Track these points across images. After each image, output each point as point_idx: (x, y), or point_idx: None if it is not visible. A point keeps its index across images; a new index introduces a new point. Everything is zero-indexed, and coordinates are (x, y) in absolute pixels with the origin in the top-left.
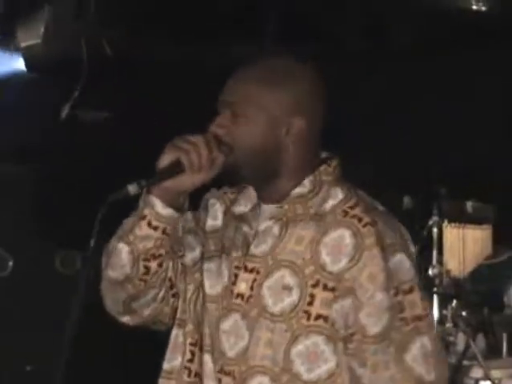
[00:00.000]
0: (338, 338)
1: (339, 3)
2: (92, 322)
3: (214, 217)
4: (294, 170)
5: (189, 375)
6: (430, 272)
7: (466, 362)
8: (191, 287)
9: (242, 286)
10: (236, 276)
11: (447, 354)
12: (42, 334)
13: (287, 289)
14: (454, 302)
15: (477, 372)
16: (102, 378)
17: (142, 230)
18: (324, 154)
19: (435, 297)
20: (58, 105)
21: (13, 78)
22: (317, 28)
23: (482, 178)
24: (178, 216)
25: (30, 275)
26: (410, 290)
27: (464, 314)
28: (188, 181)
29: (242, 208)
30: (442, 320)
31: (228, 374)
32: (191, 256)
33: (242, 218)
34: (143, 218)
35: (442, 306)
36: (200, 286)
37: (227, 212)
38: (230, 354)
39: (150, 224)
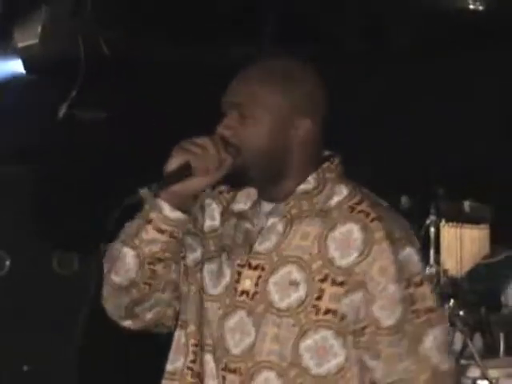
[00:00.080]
0: (348, 332)
1: (338, 4)
2: (95, 326)
3: (212, 217)
4: (299, 169)
5: (192, 376)
6: (428, 271)
7: (463, 362)
8: (193, 288)
9: (247, 283)
10: (239, 274)
11: None
12: (38, 334)
13: (294, 284)
14: (452, 301)
15: (474, 371)
16: (105, 381)
17: (149, 233)
18: (326, 152)
19: None
20: (57, 105)
21: (11, 80)
22: (315, 29)
23: (479, 177)
24: (186, 218)
25: (27, 275)
26: (421, 283)
27: (461, 313)
28: (196, 183)
29: (241, 205)
30: None
31: (233, 371)
32: (192, 257)
33: (242, 216)
34: (149, 221)
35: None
36: (201, 286)
37: (224, 211)
38: (235, 351)
39: (156, 228)
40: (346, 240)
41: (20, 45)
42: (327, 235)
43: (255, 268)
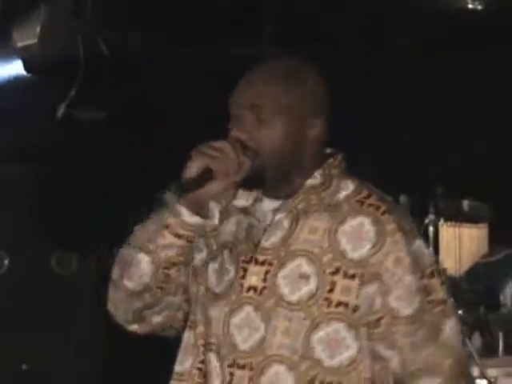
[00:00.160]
0: (360, 324)
1: (338, 4)
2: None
3: (212, 215)
4: (307, 167)
5: (199, 376)
6: None
7: None
8: (202, 288)
9: (253, 279)
10: (245, 270)
11: None
12: (37, 333)
13: (304, 277)
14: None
15: (473, 370)
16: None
17: (166, 239)
18: (327, 150)
19: None
20: (56, 105)
21: (11, 81)
22: (315, 29)
23: (478, 177)
24: (203, 223)
25: (25, 275)
26: (433, 274)
27: (460, 312)
28: (216, 188)
29: (243, 202)
30: None
31: (243, 367)
32: (200, 257)
33: (246, 212)
34: (167, 226)
35: None
36: (207, 286)
37: (223, 209)
38: (244, 347)
39: (174, 233)
40: (358, 232)
41: (19, 45)
42: (337, 229)
43: (262, 263)
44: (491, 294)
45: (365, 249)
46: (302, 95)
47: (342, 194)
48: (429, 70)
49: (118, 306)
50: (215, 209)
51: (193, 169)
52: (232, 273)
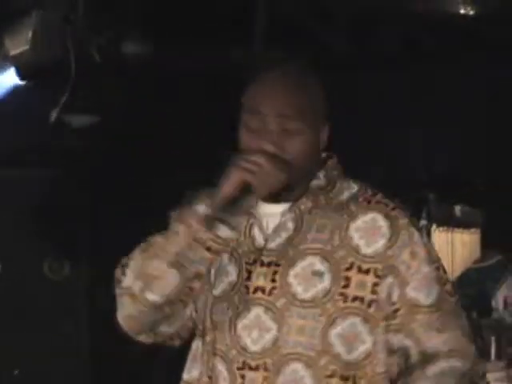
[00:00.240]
0: (375, 318)
1: (326, 8)
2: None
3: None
4: (313, 170)
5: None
6: None
7: None
8: (210, 294)
9: (261, 280)
10: (249, 272)
11: None
12: (29, 337)
13: (318, 275)
14: None
15: None
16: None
17: (198, 253)
18: (323, 154)
19: None
20: (49, 110)
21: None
22: (304, 32)
23: (470, 182)
24: (234, 236)
25: (18, 280)
26: (443, 268)
27: None
28: (252, 201)
29: None
30: None
31: (255, 368)
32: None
33: (249, 215)
34: (200, 241)
35: None
36: (210, 290)
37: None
38: (255, 348)
39: (207, 247)
40: (371, 228)
41: (12, 52)
42: (348, 225)
43: (268, 264)
44: (483, 299)
45: (379, 244)
46: (317, 102)
47: (347, 194)
48: (419, 74)
49: (134, 318)
50: None
51: (231, 183)
52: (234, 275)
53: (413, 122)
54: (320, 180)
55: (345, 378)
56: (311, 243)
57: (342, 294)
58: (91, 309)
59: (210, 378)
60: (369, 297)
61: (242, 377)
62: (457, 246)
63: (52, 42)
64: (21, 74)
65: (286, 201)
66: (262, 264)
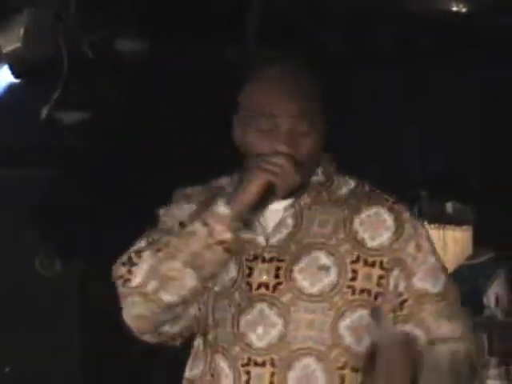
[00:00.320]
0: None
1: (321, 7)
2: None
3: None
4: (312, 167)
5: (209, 382)
6: None
7: None
8: (210, 292)
9: (264, 276)
10: (250, 268)
11: None
12: (19, 334)
13: (324, 269)
14: None
15: None
16: None
17: (217, 254)
18: None
19: None
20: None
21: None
22: (297, 32)
23: (462, 179)
24: (253, 236)
25: (9, 276)
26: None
27: None
28: (274, 202)
29: None
30: None
31: (261, 364)
32: None
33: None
34: (222, 242)
35: None
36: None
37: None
38: (260, 344)
39: (227, 249)
40: (375, 222)
41: (4, 50)
42: (353, 219)
43: (270, 260)
44: (475, 297)
45: (384, 237)
46: (319, 101)
47: (345, 189)
48: (413, 73)
49: (145, 318)
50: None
51: (255, 185)
52: (234, 272)
53: (408, 121)
54: (319, 176)
55: (355, 370)
56: (314, 238)
57: (349, 287)
58: (83, 304)
59: (212, 375)
60: (375, 289)
61: (247, 373)
62: (448, 243)
63: (44, 39)
64: (14, 71)
65: (285, 197)
66: (264, 260)
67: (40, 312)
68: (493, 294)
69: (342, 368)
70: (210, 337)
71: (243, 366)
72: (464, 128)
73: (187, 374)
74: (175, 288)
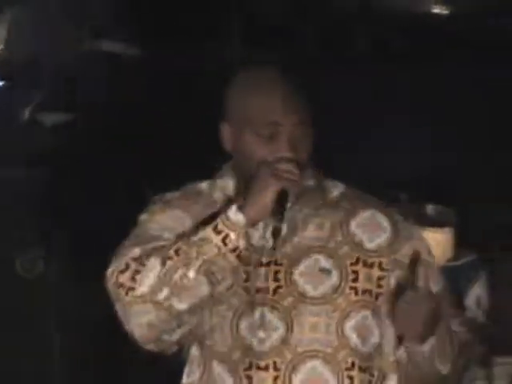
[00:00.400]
0: (382, 311)
1: (300, 9)
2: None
3: None
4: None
5: None
6: None
7: None
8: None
9: (262, 281)
10: (247, 273)
11: None
12: (3, 335)
13: (325, 272)
14: None
15: None
16: None
17: (230, 261)
18: None
19: None
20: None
21: None
22: (277, 34)
23: (443, 181)
24: (262, 242)
25: None
26: None
27: None
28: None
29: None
30: None
31: (265, 368)
32: None
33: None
34: (235, 250)
35: None
36: None
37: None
38: (262, 348)
39: (239, 256)
40: (372, 224)
41: None
42: (349, 222)
43: (267, 264)
44: (456, 298)
45: (382, 238)
46: (309, 104)
47: (336, 192)
48: (392, 74)
49: (153, 327)
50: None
51: (270, 192)
52: (230, 277)
53: (386, 122)
54: (310, 180)
55: (363, 370)
56: (313, 241)
57: (352, 288)
58: (66, 305)
59: (209, 381)
60: (375, 290)
61: (249, 377)
62: (430, 245)
63: (26, 40)
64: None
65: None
66: (261, 264)
67: (18, 312)
68: (474, 296)
69: (350, 369)
70: (207, 343)
71: (245, 370)
72: (443, 129)
73: (184, 380)
74: (188, 296)
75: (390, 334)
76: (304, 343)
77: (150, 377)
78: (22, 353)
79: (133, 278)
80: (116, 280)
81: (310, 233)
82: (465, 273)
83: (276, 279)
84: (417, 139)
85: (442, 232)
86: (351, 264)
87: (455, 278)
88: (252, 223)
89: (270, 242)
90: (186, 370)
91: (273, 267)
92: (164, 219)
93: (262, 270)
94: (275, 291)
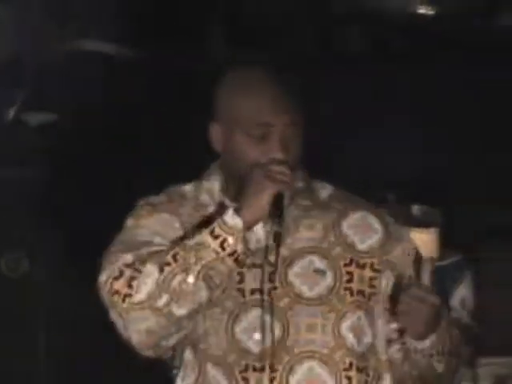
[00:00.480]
0: (375, 312)
1: (288, 10)
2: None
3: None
4: None
5: None
6: None
7: None
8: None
9: (257, 282)
10: (241, 274)
11: None
12: None
13: (319, 272)
14: None
15: None
16: None
17: (228, 265)
18: None
19: None
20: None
21: None
22: (267, 34)
23: (429, 181)
24: (259, 245)
25: None
26: None
27: None
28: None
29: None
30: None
31: (260, 369)
32: None
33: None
34: (233, 253)
35: None
36: None
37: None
38: (258, 349)
39: (237, 260)
40: (363, 225)
41: None
42: (341, 223)
43: (261, 265)
44: (442, 298)
45: (373, 239)
46: (299, 104)
47: (325, 194)
48: (379, 75)
49: (152, 333)
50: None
51: (266, 195)
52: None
53: (373, 122)
54: (299, 181)
55: (360, 370)
56: (306, 242)
57: (347, 289)
58: (51, 305)
59: None
60: (368, 290)
61: (245, 379)
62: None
63: (9, 39)
64: None
65: None
66: (254, 265)
67: (5, 312)
68: (459, 296)
69: (348, 369)
70: (201, 346)
71: (241, 372)
72: (430, 130)
73: (179, 383)
74: (187, 301)
75: (382, 333)
76: (300, 344)
77: (148, 377)
78: (8, 353)
79: (129, 285)
80: (111, 287)
81: (303, 234)
82: (450, 273)
83: (271, 280)
84: (412, 140)
85: (427, 232)
86: (345, 265)
87: (441, 279)
88: (248, 226)
89: (272, 247)
90: (181, 374)
91: (267, 268)
92: (152, 224)
93: (256, 271)
94: (270, 292)
